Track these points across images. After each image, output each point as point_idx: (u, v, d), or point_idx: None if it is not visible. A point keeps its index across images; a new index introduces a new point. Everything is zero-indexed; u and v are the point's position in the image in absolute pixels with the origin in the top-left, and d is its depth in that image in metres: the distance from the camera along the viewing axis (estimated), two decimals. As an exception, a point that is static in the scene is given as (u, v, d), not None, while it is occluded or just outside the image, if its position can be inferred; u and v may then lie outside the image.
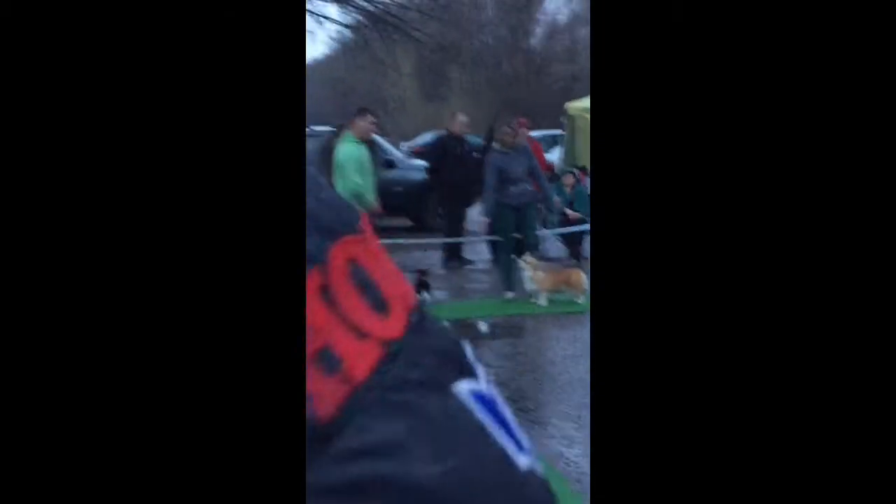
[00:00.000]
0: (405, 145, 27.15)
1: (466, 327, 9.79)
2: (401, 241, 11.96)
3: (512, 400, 6.92)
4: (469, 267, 13.63)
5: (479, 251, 14.29)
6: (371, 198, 9.88)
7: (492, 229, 11.22)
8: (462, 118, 14.25)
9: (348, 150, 9.78)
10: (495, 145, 10.73)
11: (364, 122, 10.02)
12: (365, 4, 21.75)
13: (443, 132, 14.79)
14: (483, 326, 9.38)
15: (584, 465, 5.45)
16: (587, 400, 6.77)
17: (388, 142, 20.09)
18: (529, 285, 10.33)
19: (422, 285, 10.06)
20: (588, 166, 18.95)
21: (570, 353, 8.36)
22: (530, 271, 10.21)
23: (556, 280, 10.26)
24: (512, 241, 10.69)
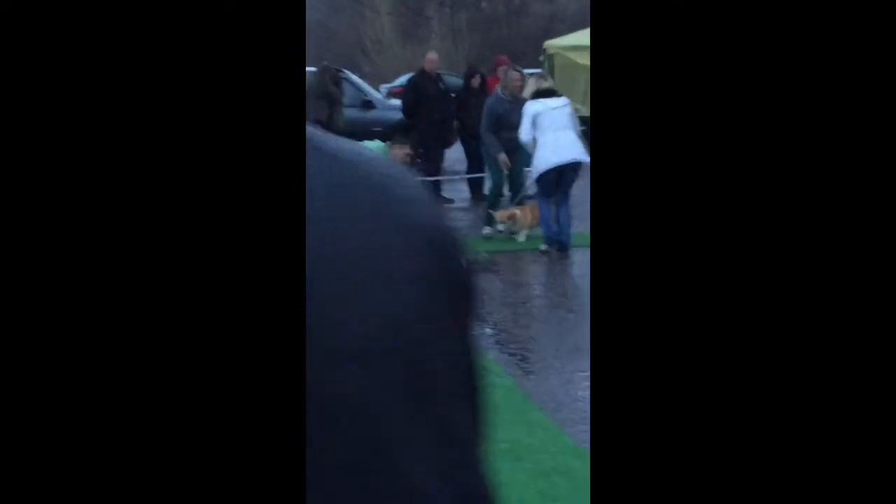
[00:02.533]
0: (384, 87, 26.94)
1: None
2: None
3: (492, 333, 6.98)
4: (448, 206, 13.66)
5: (458, 190, 14.29)
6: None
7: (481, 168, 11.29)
8: (432, 55, 14.17)
9: None
10: (500, 92, 10.73)
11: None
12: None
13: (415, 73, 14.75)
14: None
15: (560, 394, 5.53)
16: (564, 331, 6.85)
17: (368, 83, 19.95)
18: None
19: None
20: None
21: (547, 288, 8.43)
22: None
23: (504, 216, 10.61)
24: (500, 183, 10.84)
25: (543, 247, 9.78)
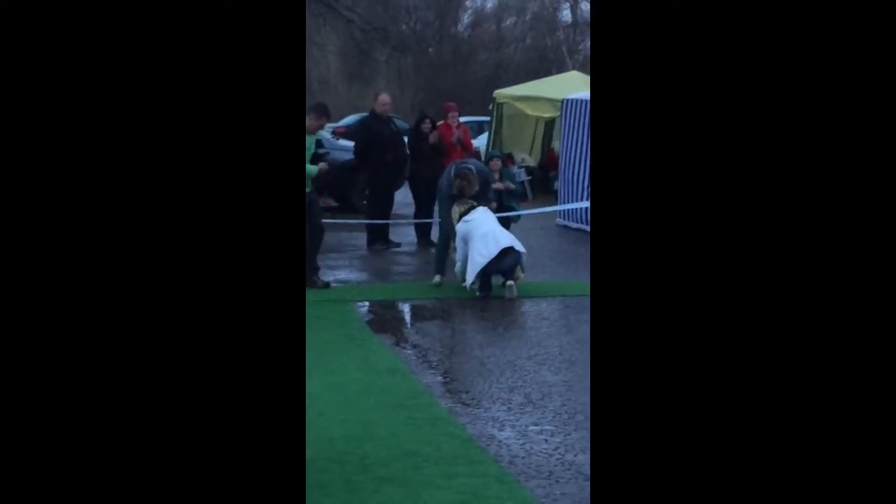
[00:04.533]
0: (329, 126, 26.92)
1: (390, 308, 9.77)
2: (327, 220, 11.85)
3: (443, 382, 6.92)
4: (395, 249, 13.60)
5: (405, 234, 14.26)
6: (314, 170, 10.35)
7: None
8: (384, 97, 14.11)
9: None
10: (453, 177, 10.81)
11: (316, 122, 10.49)
12: (295, -19, 21.53)
13: (366, 114, 14.71)
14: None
15: (515, 447, 5.48)
16: (516, 383, 6.82)
17: (314, 121, 19.87)
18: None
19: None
20: (513, 154, 19.05)
21: (497, 338, 8.41)
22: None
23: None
24: (448, 225, 10.79)
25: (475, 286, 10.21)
